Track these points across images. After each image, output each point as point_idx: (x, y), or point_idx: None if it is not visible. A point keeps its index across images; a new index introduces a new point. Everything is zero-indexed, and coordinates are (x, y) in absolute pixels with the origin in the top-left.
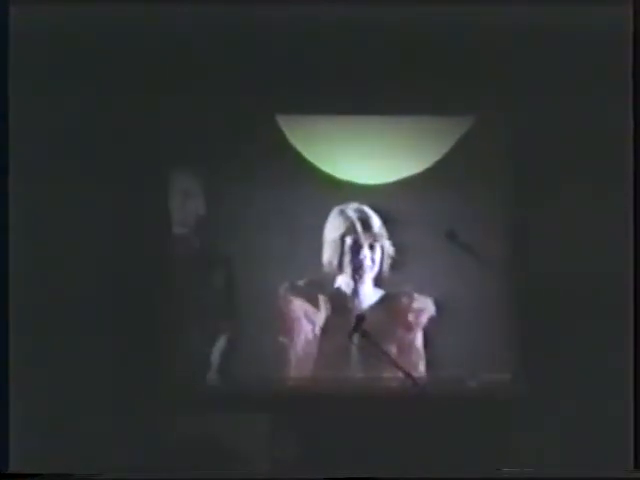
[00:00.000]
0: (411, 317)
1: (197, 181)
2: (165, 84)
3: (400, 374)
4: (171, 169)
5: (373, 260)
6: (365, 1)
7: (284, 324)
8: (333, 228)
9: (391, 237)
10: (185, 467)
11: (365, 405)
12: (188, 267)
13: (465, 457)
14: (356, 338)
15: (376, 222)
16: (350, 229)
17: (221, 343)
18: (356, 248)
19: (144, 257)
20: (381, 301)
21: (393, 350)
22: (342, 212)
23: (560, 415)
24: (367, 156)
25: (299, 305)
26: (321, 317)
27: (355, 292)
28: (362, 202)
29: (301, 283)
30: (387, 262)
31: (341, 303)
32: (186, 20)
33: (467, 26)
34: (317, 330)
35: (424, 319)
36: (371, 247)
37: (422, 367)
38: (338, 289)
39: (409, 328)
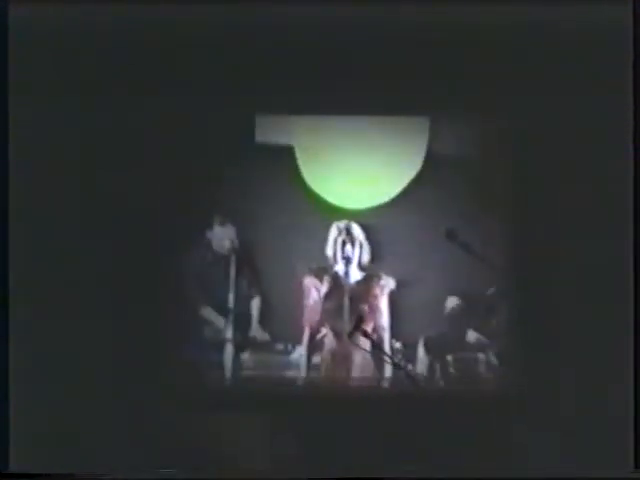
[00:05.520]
0: (378, 290)
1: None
2: (166, 83)
3: (399, 374)
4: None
5: (353, 253)
6: (363, 1)
7: (301, 295)
8: (332, 234)
9: (368, 239)
10: (185, 467)
11: (363, 404)
12: (188, 266)
13: (465, 457)
14: (356, 338)
15: (357, 230)
16: (341, 234)
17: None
18: (344, 246)
19: (146, 257)
20: (363, 279)
21: (365, 309)
22: (337, 225)
23: (560, 415)
24: (357, 178)
25: (310, 281)
26: (324, 289)
27: (346, 274)
28: (350, 219)
29: (313, 268)
30: (365, 255)
31: (338, 280)
32: (187, 20)
33: (466, 26)
34: (321, 296)
35: (386, 292)
36: (352, 245)
37: (385, 323)
38: (336, 272)
39: (376, 296)
